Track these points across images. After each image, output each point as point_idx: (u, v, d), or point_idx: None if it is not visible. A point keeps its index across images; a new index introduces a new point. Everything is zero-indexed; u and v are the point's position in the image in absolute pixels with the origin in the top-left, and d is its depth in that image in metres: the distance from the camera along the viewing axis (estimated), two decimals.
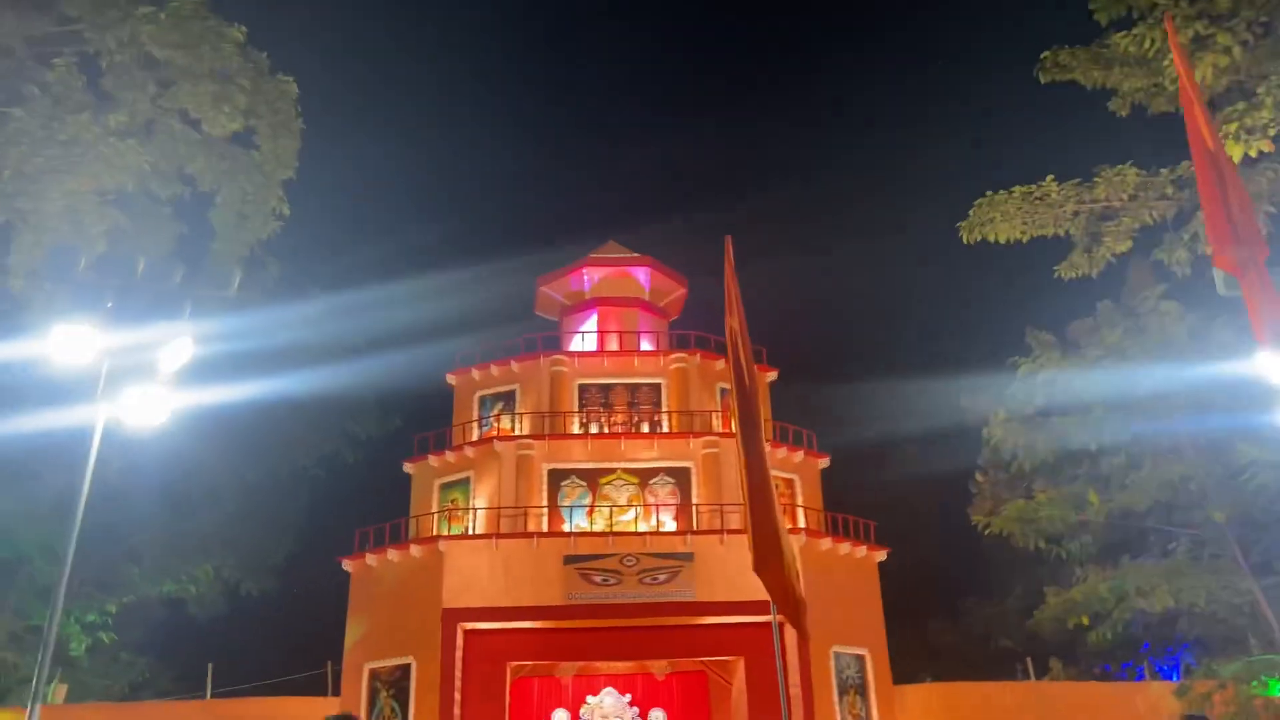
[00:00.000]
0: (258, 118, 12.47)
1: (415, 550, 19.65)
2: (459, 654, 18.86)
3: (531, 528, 19.94)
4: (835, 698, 19.18)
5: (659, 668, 21.77)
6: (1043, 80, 13.93)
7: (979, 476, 27.17)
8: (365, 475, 27.78)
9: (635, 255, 24.85)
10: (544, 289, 25.14)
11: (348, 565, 20.57)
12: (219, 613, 27.44)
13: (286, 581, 27.73)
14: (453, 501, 21.34)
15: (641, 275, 24.70)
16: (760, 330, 28.07)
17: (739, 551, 19.51)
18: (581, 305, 24.59)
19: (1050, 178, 20.03)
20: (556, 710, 21.30)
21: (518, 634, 19.37)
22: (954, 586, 32.91)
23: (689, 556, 19.42)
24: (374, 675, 19.32)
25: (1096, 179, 19.12)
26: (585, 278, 24.59)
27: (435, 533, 20.26)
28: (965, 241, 21.95)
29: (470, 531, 20.30)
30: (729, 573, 19.33)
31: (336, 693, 19.93)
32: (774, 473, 22.65)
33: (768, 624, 19.73)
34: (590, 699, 21.44)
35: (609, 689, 21.58)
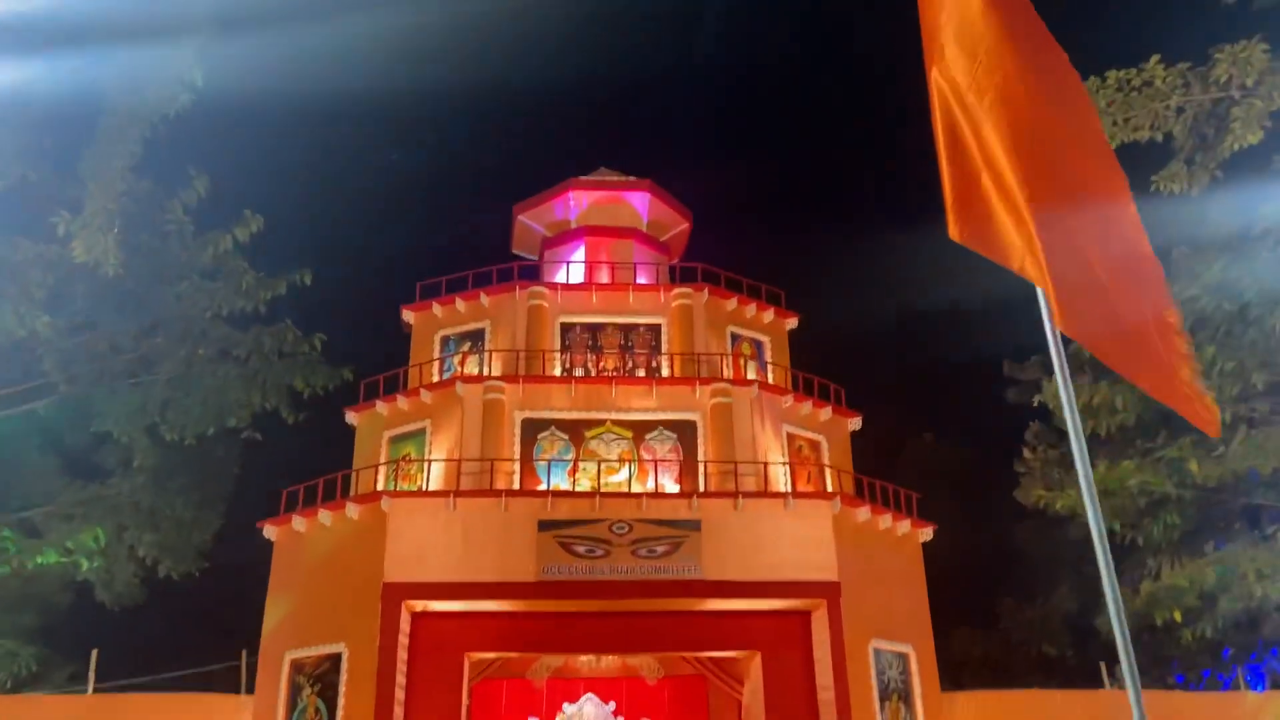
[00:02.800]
0: None
1: (352, 510, 15.70)
2: (403, 640, 14.90)
3: (500, 485, 16.03)
4: (876, 703, 15.29)
5: (650, 670, 17.90)
6: None
7: (1027, 453, 23.56)
8: (310, 439, 23.76)
9: (631, 179, 21.05)
10: (522, 218, 21.27)
11: (270, 532, 16.60)
12: (135, 598, 23.35)
13: (214, 561, 23.66)
14: (405, 456, 17.40)
15: (638, 202, 20.89)
16: (770, 268, 24.19)
17: (757, 520, 15.69)
18: (566, 236, 20.75)
19: (1155, 59, 16.20)
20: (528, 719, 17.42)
21: (479, 618, 15.46)
22: (981, 588, 29.07)
23: (694, 525, 15.56)
24: (296, 667, 15.33)
25: (1217, 57, 15.37)
26: (571, 203, 20.76)
27: (379, 489, 16.32)
28: None
29: (424, 489, 16.36)
30: (744, 546, 15.50)
31: (251, 689, 15.94)
32: (796, 431, 18.93)
33: (792, 613, 15.90)
34: (568, 706, 17.60)
35: (590, 695, 17.77)
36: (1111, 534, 20.10)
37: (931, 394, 31.33)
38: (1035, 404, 22.20)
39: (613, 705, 17.64)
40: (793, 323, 20.02)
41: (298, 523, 16.17)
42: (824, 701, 15.02)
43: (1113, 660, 18.59)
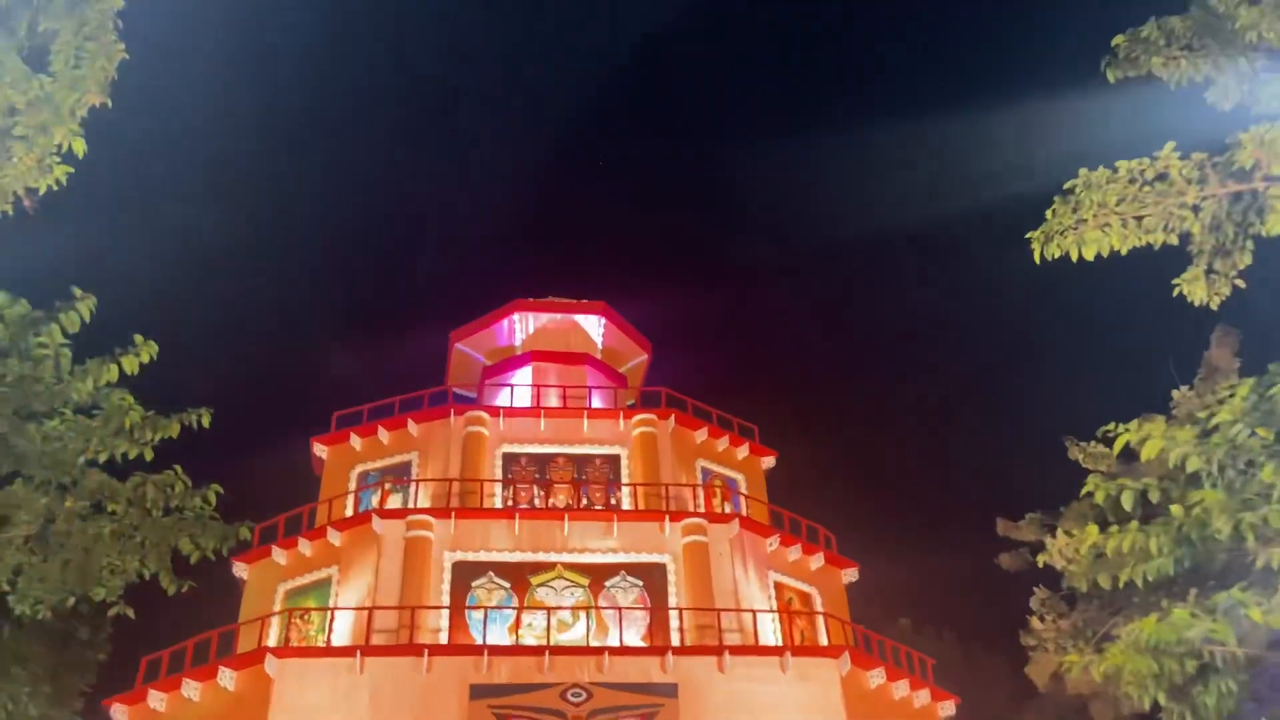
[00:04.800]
0: None
1: (227, 677, 12.12)
2: None
3: (422, 641, 12.63)
4: None
5: None
6: (1112, 78, 9.37)
7: (1035, 622, 20.72)
8: (197, 616, 19.85)
9: (584, 301, 18.84)
10: (460, 346, 18.77)
11: (120, 712, 12.79)
12: None
13: None
14: (301, 611, 13.92)
15: (593, 327, 18.61)
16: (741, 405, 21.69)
17: (748, 683, 12.47)
18: (510, 363, 18.20)
19: (1170, 147, 14.88)
20: None
21: None
22: None
23: (670, 689, 12.28)
24: None
25: (1241, 138, 14.00)
26: (516, 327, 18.39)
27: (265, 646, 12.79)
28: (1038, 259, 16.40)
29: (327, 645, 12.86)
30: (732, 715, 12.20)
31: None
32: (784, 580, 15.90)
33: None
34: None
35: None
36: (1155, 709, 17.07)
37: (910, 558, 28.48)
38: (1041, 564, 19.56)
39: None
40: (770, 461, 17.42)
41: (155, 699, 12.45)
42: None
43: None
